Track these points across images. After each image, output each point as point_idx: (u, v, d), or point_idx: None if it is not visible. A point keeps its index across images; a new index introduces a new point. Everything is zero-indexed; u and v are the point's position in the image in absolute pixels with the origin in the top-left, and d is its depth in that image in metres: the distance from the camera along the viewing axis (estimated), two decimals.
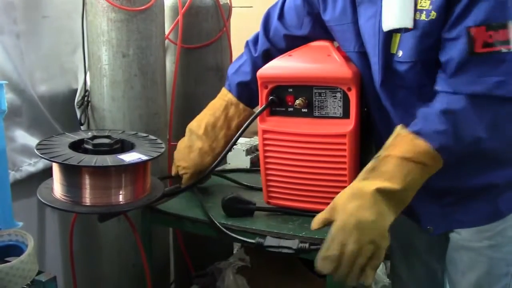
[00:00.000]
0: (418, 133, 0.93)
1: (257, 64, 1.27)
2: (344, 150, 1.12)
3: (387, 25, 1.01)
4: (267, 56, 1.27)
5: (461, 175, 1.04)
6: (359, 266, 0.89)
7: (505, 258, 1.07)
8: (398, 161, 0.93)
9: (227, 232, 1.13)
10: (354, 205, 0.91)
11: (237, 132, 1.27)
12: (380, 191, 0.91)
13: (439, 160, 0.93)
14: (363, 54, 1.10)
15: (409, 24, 0.98)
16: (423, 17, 0.97)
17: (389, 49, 1.04)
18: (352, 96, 1.12)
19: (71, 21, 1.51)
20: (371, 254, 0.89)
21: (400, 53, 1.01)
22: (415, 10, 0.97)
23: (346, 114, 1.14)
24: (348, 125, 1.12)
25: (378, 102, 1.11)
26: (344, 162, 1.13)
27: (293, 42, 1.26)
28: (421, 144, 0.93)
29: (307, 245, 1.06)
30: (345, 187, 1.12)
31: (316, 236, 1.08)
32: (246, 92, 1.30)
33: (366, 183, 0.93)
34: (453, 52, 0.94)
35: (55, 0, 1.51)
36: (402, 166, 0.92)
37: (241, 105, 1.31)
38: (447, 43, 0.96)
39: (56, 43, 1.53)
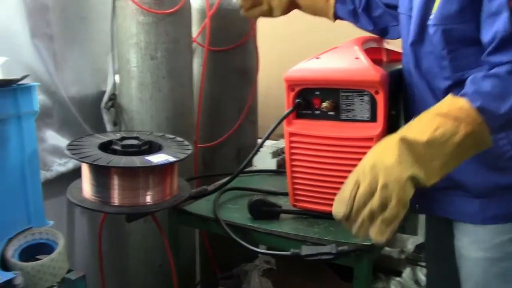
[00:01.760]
0: (461, 95, 0.90)
1: None
2: None
3: None
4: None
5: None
6: (368, 213, 0.83)
7: (503, 273, 1.03)
8: (431, 116, 0.88)
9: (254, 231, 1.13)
10: (375, 150, 0.88)
11: None
12: (404, 140, 0.86)
13: (477, 119, 0.87)
14: (410, 17, 1.10)
15: None
16: None
17: (428, 11, 1.02)
18: (380, 99, 1.11)
19: (106, 22, 1.53)
20: (383, 204, 0.83)
21: (432, 16, 1.01)
22: None
23: (373, 118, 1.13)
24: (375, 129, 1.11)
25: (407, 67, 1.10)
26: None
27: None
28: (460, 101, 0.88)
29: (345, 247, 1.04)
30: None
31: (343, 240, 1.07)
32: None
33: (394, 134, 0.88)
34: (495, 28, 0.91)
35: (93, 1, 1.53)
36: (434, 120, 0.87)
37: None
38: (488, 19, 0.93)
39: (91, 45, 1.56)
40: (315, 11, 1.42)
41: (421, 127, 0.87)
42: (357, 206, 0.84)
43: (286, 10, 1.45)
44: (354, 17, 1.37)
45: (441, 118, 0.87)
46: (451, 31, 0.98)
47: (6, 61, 1.32)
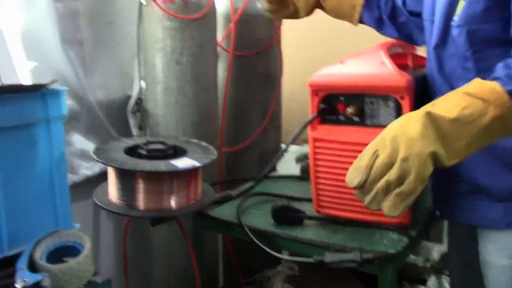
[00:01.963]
0: (493, 78, 0.87)
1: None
2: None
3: None
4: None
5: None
6: (384, 185, 0.80)
7: None
8: (459, 95, 0.85)
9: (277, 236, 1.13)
10: (398, 122, 0.85)
11: None
12: (430, 115, 0.82)
13: (507, 102, 0.84)
14: (434, 23, 1.09)
15: None
16: None
17: (451, 14, 1.01)
18: (405, 104, 1.10)
19: (133, 27, 1.54)
20: (401, 177, 0.79)
21: (456, 18, 0.99)
22: None
23: None
24: None
25: (431, 72, 1.09)
26: None
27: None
28: (491, 83, 0.85)
29: (370, 255, 1.03)
30: None
31: (367, 248, 1.06)
32: None
33: (419, 110, 0.85)
34: None
35: (119, 6, 1.55)
36: (463, 99, 0.84)
37: None
38: None
39: (118, 49, 1.58)
40: (339, 15, 1.41)
41: (449, 104, 0.84)
42: (374, 176, 0.81)
43: (310, 11, 1.45)
44: (378, 24, 1.36)
45: (470, 98, 0.84)
46: (476, 32, 0.97)
47: (36, 66, 1.36)
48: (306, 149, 1.63)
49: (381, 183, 0.80)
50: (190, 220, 1.33)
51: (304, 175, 1.55)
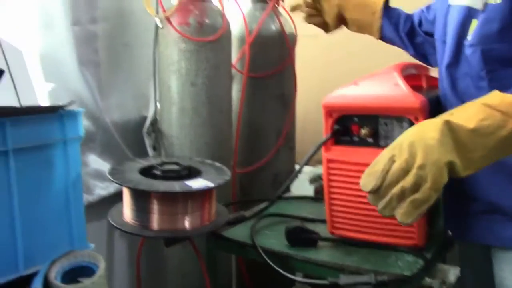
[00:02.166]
0: None
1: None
2: None
3: (453, 0, 1.01)
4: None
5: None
6: (399, 191, 0.79)
7: None
8: (478, 106, 0.85)
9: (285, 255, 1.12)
10: (416, 128, 0.85)
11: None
12: (448, 124, 0.82)
13: None
14: (445, 43, 1.11)
15: (478, 5, 0.97)
16: (492, 0, 0.95)
17: (464, 34, 1.03)
18: None
19: (148, 49, 1.57)
20: (416, 184, 0.78)
21: (469, 37, 1.00)
22: None
23: None
24: None
25: (443, 92, 1.10)
26: None
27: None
28: (510, 96, 0.85)
29: (385, 277, 1.02)
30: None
31: (382, 270, 1.05)
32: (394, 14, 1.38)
33: (437, 118, 0.85)
34: None
35: (135, 29, 1.58)
36: (482, 110, 0.84)
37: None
38: None
39: (133, 71, 1.60)
40: (360, 25, 1.42)
41: (467, 114, 0.84)
42: (389, 182, 0.80)
43: (337, 26, 1.48)
44: (397, 35, 1.38)
45: (489, 110, 0.84)
46: (491, 51, 0.97)
47: (54, 88, 1.38)
48: (320, 170, 1.63)
49: (396, 189, 0.79)
50: (204, 241, 1.33)
51: (318, 196, 1.55)
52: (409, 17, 1.40)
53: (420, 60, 1.38)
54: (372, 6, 1.40)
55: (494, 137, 0.83)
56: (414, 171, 0.79)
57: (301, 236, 1.20)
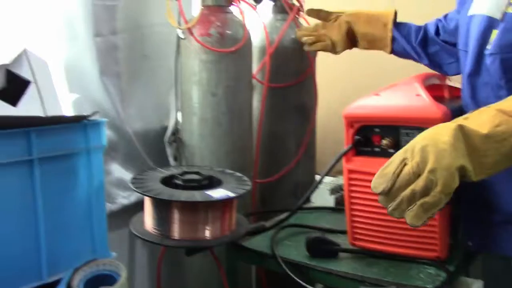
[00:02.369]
0: None
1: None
2: None
3: (473, 10, 1.00)
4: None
5: None
6: (410, 194, 0.79)
7: None
8: (493, 112, 0.84)
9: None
10: (429, 132, 0.84)
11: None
12: (462, 128, 0.82)
13: None
14: (467, 53, 1.11)
15: (497, 15, 0.96)
16: (510, 10, 0.95)
17: (485, 43, 1.03)
18: None
19: (168, 60, 1.59)
20: (427, 188, 0.78)
21: (489, 47, 1.00)
22: (509, 3, 0.96)
23: None
24: None
25: (465, 101, 1.10)
26: None
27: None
28: None
29: None
30: (434, 231, 1.08)
31: (403, 282, 1.04)
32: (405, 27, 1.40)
33: (451, 122, 0.85)
34: None
35: (155, 40, 1.60)
36: (496, 116, 0.83)
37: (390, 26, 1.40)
38: None
39: (153, 82, 1.62)
40: (372, 40, 1.43)
41: (482, 120, 0.84)
42: (399, 184, 0.80)
43: (347, 45, 1.48)
44: (410, 46, 1.38)
45: (504, 116, 0.83)
46: (510, 60, 0.97)
47: (78, 98, 1.41)
48: (340, 180, 1.62)
49: (406, 192, 0.80)
50: (224, 251, 1.34)
51: (339, 207, 1.54)
52: (420, 28, 1.40)
53: (434, 70, 1.38)
54: (382, 19, 1.41)
55: (507, 143, 0.82)
56: (425, 174, 0.79)
57: (321, 247, 1.19)
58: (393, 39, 1.40)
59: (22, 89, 1.16)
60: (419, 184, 0.79)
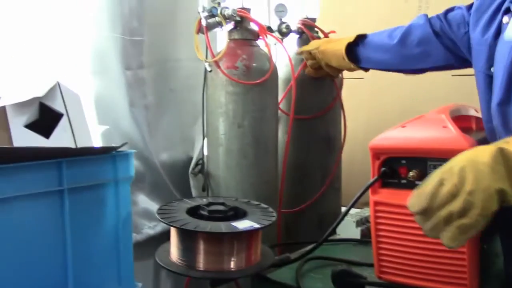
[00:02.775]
0: None
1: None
2: None
3: (508, 35, 0.99)
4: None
5: None
6: (447, 215, 0.78)
7: None
8: None
9: None
10: (469, 153, 0.83)
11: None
12: (502, 151, 0.80)
13: None
14: (489, 76, 1.10)
15: None
16: None
17: None
18: None
19: (193, 94, 1.62)
20: (464, 209, 0.78)
21: None
22: None
23: None
24: None
25: (490, 126, 1.09)
26: None
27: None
28: None
29: None
30: (463, 265, 1.06)
31: None
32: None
33: (491, 145, 0.84)
34: None
35: (180, 75, 1.64)
36: None
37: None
38: None
39: (179, 114, 1.66)
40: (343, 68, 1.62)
41: None
42: (437, 204, 0.80)
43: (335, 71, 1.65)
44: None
45: None
46: None
47: (107, 130, 1.44)
48: (366, 212, 1.60)
49: (443, 213, 0.79)
50: (249, 282, 1.33)
51: (365, 239, 1.52)
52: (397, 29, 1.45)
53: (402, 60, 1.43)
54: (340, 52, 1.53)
55: None
56: (463, 196, 0.79)
57: (347, 280, 1.18)
58: (359, 62, 1.51)
59: (55, 121, 1.20)
60: (456, 205, 0.79)
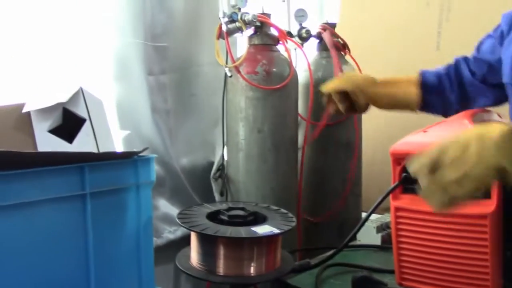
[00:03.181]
0: None
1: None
2: (485, 233, 1.05)
3: None
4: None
5: None
6: (442, 181, 0.81)
7: None
8: None
9: None
10: (481, 128, 0.84)
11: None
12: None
13: None
14: None
15: None
16: None
17: None
18: None
19: (214, 98, 1.63)
20: (460, 180, 0.80)
21: None
22: None
23: (487, 194, 1.07)
24: (489, 206, 1.05)
25: None
26: (485, 246, 1.05)
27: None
28: None
29: None
30: (486, 272, 1.04)
31: None
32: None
33: (505, 124, 0.84)
34: None
35: (202, 79, 1.66)
36: None
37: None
38: None
39: (200, 119, 1.67)
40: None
41: None
42: (436, 168, 0.82)
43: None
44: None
45: None
46: None
47: (128, 134, 1.45)
48: (387, 218, 1.59)
49: (438, 179, 0.81)
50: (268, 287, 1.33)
51: (386, 245, 1.51)
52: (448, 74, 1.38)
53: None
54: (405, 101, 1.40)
55: None
56: (462, 167, 0.80)
57: (368, 287, 1.17)
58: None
59: (78, 127, 1.22)
60: (454, 174, 0.80)
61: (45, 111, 1.25)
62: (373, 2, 2.10)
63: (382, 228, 1.59)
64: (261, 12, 1.52)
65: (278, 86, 1.48)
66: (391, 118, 2.10)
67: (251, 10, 1.50)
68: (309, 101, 1.66)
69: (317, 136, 1.43)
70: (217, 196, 1.62)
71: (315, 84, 1.64)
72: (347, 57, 1.77)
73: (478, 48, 1.34)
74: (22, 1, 1.35)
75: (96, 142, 1.23)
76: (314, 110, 1.65)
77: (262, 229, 1.15)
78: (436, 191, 0.83)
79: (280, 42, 1.56)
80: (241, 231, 1.14)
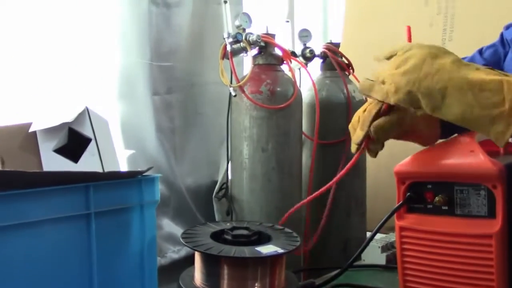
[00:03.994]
0: None
1: None
2: (491, 252, 1.04)
3: None
4: None
5: None
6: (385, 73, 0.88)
7: None
8: None
9: None
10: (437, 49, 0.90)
11: None
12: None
13: None
14: None
15: None
16: None
17: None
18: (498, 194, 1.05)
19: (219, 117, 1.64)
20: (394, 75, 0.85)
21: None
22: None
23: (491, 213, 1.06)
24: (494, 226, 1.05)
25: None
26: (491, 266, 1.04)
27: None
28: None
29: None
30: (492, 286, 1.04)
31: None
32: None
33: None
34: None
35: (207, 98, 1.67)
36: None
37: None
38: None
39: (205, 138, 1.68)
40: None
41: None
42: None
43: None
44: None
45: None
46: None
47: (133, 154, 1.46)
48: (392, 237, 1.58)
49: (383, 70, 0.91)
50: None
51: (390, 265, 1.50)
52: None
53: None
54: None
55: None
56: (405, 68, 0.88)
57: None
58: None
59: (83, 146, 1.23)
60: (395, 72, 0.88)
61: (51, 131, 1.25)
62: (375, 23, 2.12)
63: (387, 247, 1.58)
64: (265, 32, 1.53)
65: (282, 105, 1.49)
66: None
67: (255, 30, 1.51)
68: (314, 120, 1.66)
69: (354, 163, 1.28)
70: (218, 216, 1.62)
71: (320, 103, 1.64)
72: (351, 77, 1.78)
73: (480, 52, 1.35)
74: (28, 20, 1.37)
75: (101, 161, 1.23)
76: (320, 129, 1.65)
77: (266, 249, 1.15)
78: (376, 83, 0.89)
79: (284, 62, 1.57)
80: (245, 251, 1.13)
